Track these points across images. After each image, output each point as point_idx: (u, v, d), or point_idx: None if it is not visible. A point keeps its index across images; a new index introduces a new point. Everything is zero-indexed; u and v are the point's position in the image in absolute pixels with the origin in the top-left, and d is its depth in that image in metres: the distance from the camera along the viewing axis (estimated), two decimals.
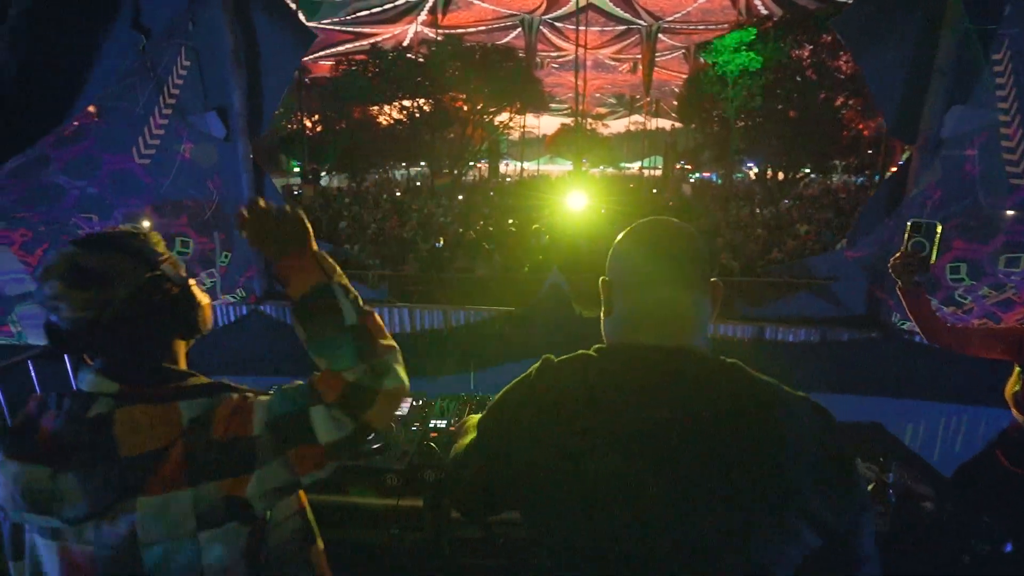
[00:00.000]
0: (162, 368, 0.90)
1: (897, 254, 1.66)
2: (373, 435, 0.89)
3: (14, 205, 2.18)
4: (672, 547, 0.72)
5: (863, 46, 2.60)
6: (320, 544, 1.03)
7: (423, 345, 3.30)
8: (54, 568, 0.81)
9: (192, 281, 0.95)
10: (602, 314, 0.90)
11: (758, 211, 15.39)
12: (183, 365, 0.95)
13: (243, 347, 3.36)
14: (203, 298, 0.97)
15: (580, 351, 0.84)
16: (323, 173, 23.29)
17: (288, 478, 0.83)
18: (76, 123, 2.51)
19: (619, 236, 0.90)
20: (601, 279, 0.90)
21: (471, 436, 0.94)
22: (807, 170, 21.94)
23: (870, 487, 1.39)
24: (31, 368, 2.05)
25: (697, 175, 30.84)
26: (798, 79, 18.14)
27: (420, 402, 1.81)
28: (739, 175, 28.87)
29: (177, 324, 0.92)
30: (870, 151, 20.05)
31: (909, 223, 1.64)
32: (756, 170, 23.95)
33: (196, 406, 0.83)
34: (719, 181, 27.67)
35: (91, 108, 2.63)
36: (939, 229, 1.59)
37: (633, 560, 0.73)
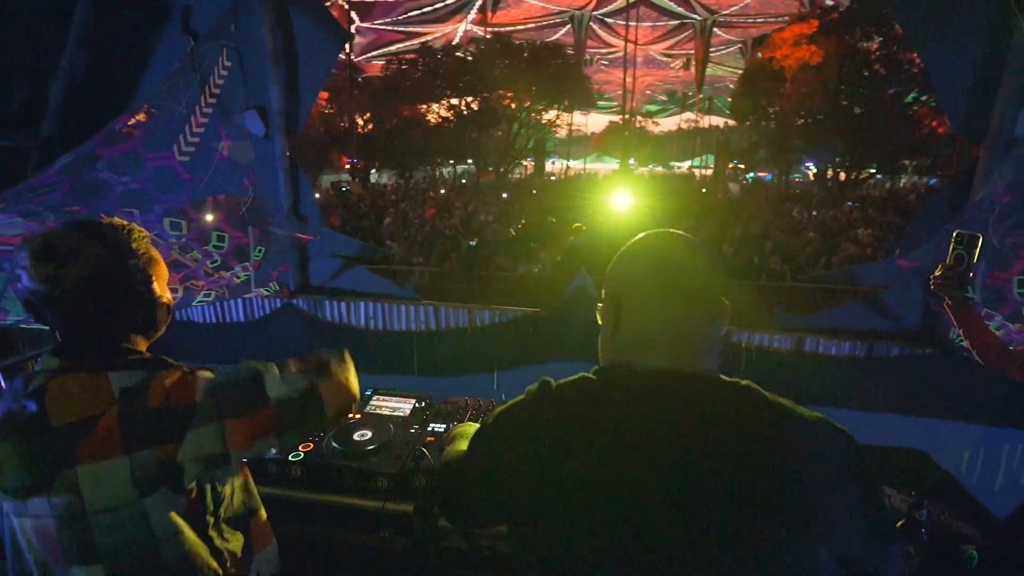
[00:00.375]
0: (111, 349, 0.93)
1: (938, 268, 1.54)
2: (318, 417, 0.91)
3: (64, 200, 2.31)
4: None
5: (924, 32, 2.38)
6: (263, 514, 1.07)
7: (447, 344, 3.30)
8: (37, 541, 0.84)
9: (159, 281, 0.98)
10: (601, 333, 0.85)
11: (814, 213, 14.61)
12: None
13: (277, 338, 3.47)
14: (164, 298, 1.00)
15: (580, 374, 0.80)
16: (372, 170, 23.90)
17: (219, 448, 0.84)
18: (130, 122, 2.65)
19: (622, 250, 0.86)
20: (604, 295, 0.85)
21: (463, 447, 0.92)
22: (872, 170, 20.62)
23: (899, 523, 1.25)
24: None
25: (752, 175, 29.62)
26: (865, 73, 17.04)
27: (423, 403, 1.79)
28: (797, 175, 27.52)
29: (131, 316, 0.94)
30: (946, 150, 18.63)
31: (954, 233, 1.50)
32: (815, 170, 22.69)
33: (127, 377, 0.86)
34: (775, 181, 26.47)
35: (154, 111, 2.78)
36: (980, 242, 1.47)
37: None
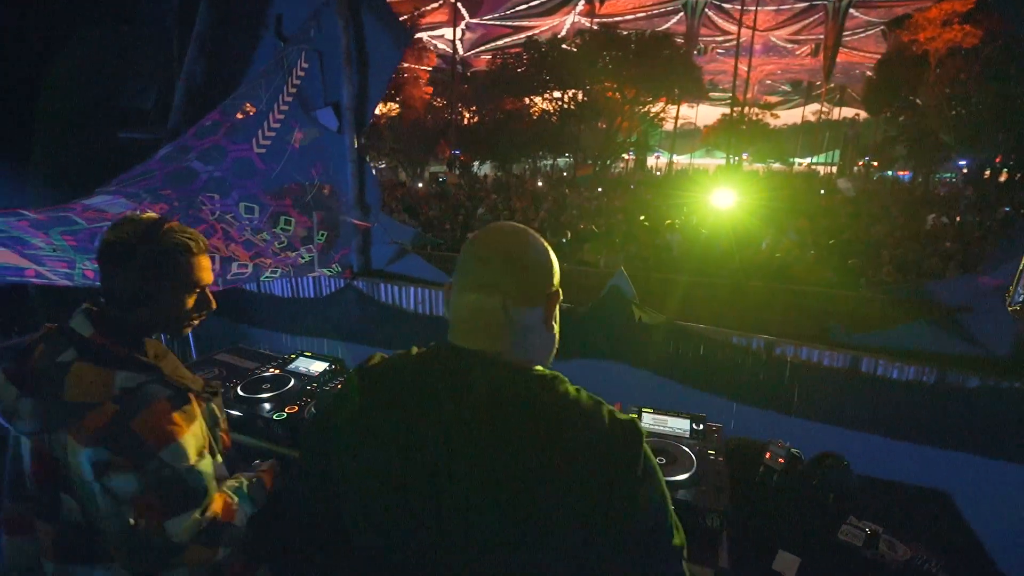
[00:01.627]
0: (129, 336, 1.09)
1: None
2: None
3: (161, 184, 2.74)
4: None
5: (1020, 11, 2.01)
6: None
7: None
8: (28, 455, 1.06)
9: (169, 286, 1.12)
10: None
11: (958, 219, 12.59)
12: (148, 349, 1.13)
13: (339, 316, 3.81)
14: (170, 300, 1.13)
15: (412, 347, 0.87)
16: (475, 161, 24.71)
17: (132, 491, 0.98)
18: (225, 124, 3.07)
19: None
20: (445, 284, 0.91)
21: None
22: None
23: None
24: None
25: (890, 173, 26.14)
26: None
27: None
28: (948, 174, 23.78)
29: (131, 293, 1.07)
30: None
31: None
32: (967, 169, 19.42)
33: (128, 378, 1.02)
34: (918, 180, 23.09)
35: (251, 108, 3.20)
36: None
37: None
